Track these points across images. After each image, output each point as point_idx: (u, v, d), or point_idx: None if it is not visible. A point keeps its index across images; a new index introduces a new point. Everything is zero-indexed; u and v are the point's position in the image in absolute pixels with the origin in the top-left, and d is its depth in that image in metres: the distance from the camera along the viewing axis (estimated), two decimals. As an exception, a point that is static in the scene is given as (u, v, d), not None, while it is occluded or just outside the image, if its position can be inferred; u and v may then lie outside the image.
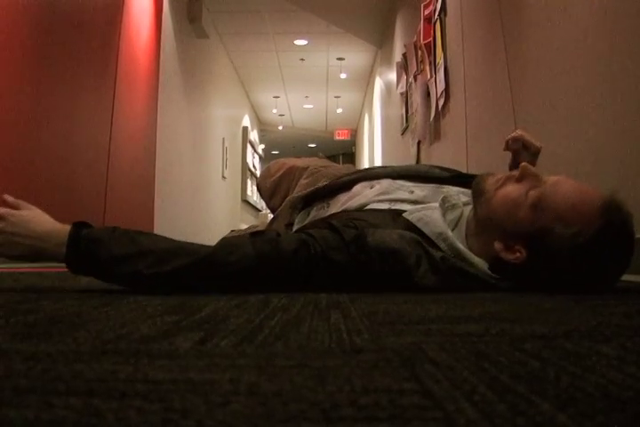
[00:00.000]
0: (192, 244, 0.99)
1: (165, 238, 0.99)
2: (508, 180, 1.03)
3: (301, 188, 1.46)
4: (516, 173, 1.03)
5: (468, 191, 1.12)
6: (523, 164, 1.03)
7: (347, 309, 0.73)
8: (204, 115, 6.54)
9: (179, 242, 0.99)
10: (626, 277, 1.31)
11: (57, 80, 2.88)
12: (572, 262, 0.93)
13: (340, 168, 1.60)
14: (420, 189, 1.20)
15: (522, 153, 1.30)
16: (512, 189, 1.01)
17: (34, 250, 0.94)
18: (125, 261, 0.91)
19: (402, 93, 5.49)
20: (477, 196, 1.05)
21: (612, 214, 0.94)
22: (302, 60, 7.92)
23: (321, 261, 0.97)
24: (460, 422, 0.26)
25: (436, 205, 1.09)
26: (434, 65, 4.11)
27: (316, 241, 0.98)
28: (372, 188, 1.24)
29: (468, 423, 0.25)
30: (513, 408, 0.27)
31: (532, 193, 0.97)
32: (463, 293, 0.94)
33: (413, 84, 4.94)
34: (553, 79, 2.08)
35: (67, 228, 0.94)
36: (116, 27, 3.77)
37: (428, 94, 4.35)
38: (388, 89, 6.72)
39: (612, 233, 0.93)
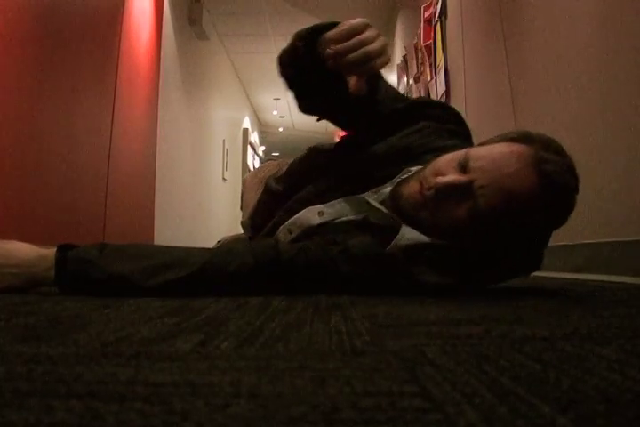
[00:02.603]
0: (189, 252, 0.98)
1: (160, 249, 0.99)
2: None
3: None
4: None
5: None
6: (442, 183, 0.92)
7: (347, 311, 0.72)
8: (204, 116, 6.54)
9: (175, 251, 0.98)
10: (626, 279, 1.31)
11: (57, 82, 2.88)
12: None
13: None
14: (330, 207, 1.09)
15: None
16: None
17: (22, 279, 0.94)
18: (120, 278, 0.91)
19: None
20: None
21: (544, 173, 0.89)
22: (303, 61, 7.91)
23: (320, 268, 0.97)
24: (460, 424, 0.26)
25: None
26: (434, 67, 4.11)
27: (314, 249, 0.99)
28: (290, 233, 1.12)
29: (468, 426, 0.25)
30: (513, 411, 0.27)
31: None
32: (463, 293, 0.94)
33: (414, 86, 4.94)
34: (553, 81, 2.08)
35: (52, 251, 0.94)
36: (116, 28, 3.77)
37: (429, 96, 4.35)
38: (388, 91, 6.71)
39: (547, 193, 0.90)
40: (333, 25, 0.94)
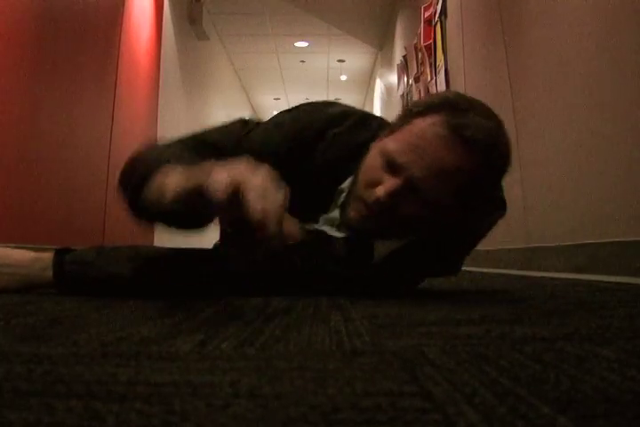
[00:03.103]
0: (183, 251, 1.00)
1: (158, 250, 1.01)
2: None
3: None
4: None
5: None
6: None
7: (347, 311, 0.73)
8: (204, 116, 6.54)
9: (171, 251, 0.99)
10: (626, 280, 1.31)
11: (57, 82, 2.88)
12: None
13: None
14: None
15: None
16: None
17: (17, 280, 0.96)
18: (118, 279, 0.93)
19: (402, 96, 5.49)
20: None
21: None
22: (303, 61, 7.93)
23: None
24: (460, 424, 0.26)
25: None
26: (434, 67, 4.11)
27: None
28: None
29: (468, 426, 0.25)
30: (513, 411, 0.27)
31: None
32: (463, 295, 0.94)
33: (414, 86, 4.94)
34: (553, 81, 2.08)
35: (47, 254, 0.96)
36: (116, 28, 3.77)
37: (429, 96, 4.35)
38: (388, 91, 6.73)
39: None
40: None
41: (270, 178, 0.60)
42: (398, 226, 0.92)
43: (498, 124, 0.88)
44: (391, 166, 0.88)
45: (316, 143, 0.98)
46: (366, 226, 0.93)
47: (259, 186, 0.57)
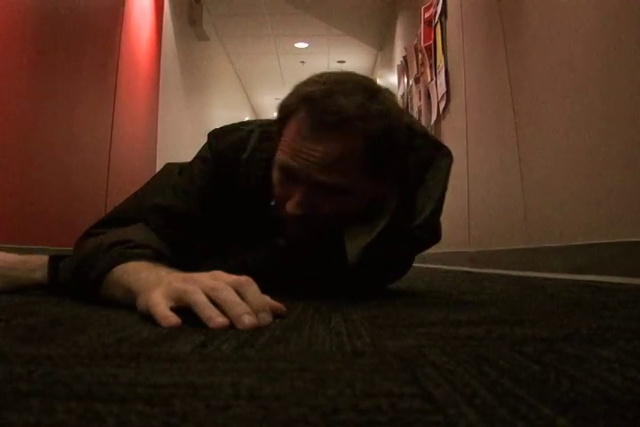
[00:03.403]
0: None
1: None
2: None
3: None
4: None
5: None
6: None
7: (347, 312, 0.73)
8: (204, 117, 6.54)
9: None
10: (626, 280, 1.31)
11: (58, 83, 2.88)
12: None
13: None
14: None
15: None
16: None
17: (6, 280, 0.99)
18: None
19: (402, 96, 5.49)
20: None
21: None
22: (303, 62, 7.93)
23: None
24: (460, 425, 0.26)
25: None
26: (434, 68, 4.11)
27: None
28: None
29: (468, 427, 0.25)
30: (513, 412, 0.27)
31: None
32: (463, 295, 0.94)
33: (414, 87, 4.95)
34: (553, 82, 2.08)
35: (36, 256, 1.00)
36: (116, 29, 3.78)
37: (429, 97, 4.35)
38: (388, 92, 6.72)
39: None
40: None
41: (234, 279, 0.62)
42: (337, 221, 0.92)
43: (363, 93, 0.87)
44: (289, 177, 0.89)
45: (236, 170, 0.99)
46: (308, 237, 0.93)
47: (232, 295, 0.59)
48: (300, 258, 0.99)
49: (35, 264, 0.98)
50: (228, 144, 1.01)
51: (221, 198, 1.00)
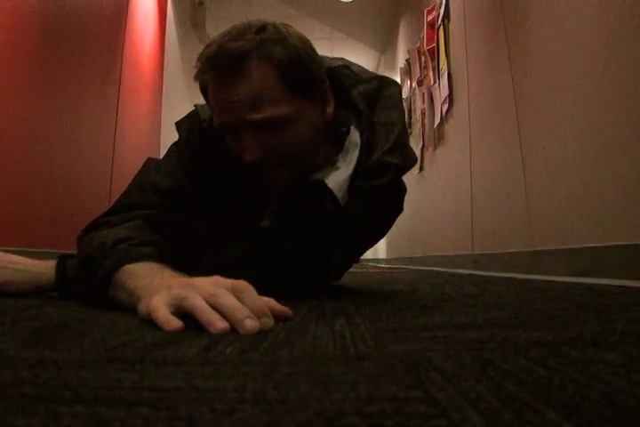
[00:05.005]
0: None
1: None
2: None
3: None
4: None
5: None
6: None
7: (351, 315, 0.73)
8: (207, 120, 6.54)
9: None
10: (630, 284, 1.30)
11: (61, 87, 2.89)
12: None
13: None
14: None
15: None
16: None
17: (24, 276, 0.99)
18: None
19: (405, 99, 5.49)
20: None
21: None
22: (305, 65, 7.93)
23: None
24: (465, 430, 0.26)
25: None
26: (437, 70, 4.11)
27: None
28: None
29: (473, 432, 0.25)
30: (518, 416, 0.27)
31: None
32: (466, 298, 0.94)
33: (417, 90, 4.95)
34: (556, 84, 2.08)
35: (48, 261, 1.01)
36: (120, 32, 3.79)
37: (432, 100, 4.35)
38: (391, 94, 6.72)
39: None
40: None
41: (231, 284, 0.62)
42: (297, 149, 0.94)
43: (249, 30, 0.95)
44: (232, 132, 0.93)
45: (204, 151, 1.05)
46: (284, 175, 0.96)
47: (233, 300, 0.59)
48: (285, 241, 1.02)
49: (50, 264, 1.00)
50: (187, 130, 1.10)
51: (203, 176, 1.05)
